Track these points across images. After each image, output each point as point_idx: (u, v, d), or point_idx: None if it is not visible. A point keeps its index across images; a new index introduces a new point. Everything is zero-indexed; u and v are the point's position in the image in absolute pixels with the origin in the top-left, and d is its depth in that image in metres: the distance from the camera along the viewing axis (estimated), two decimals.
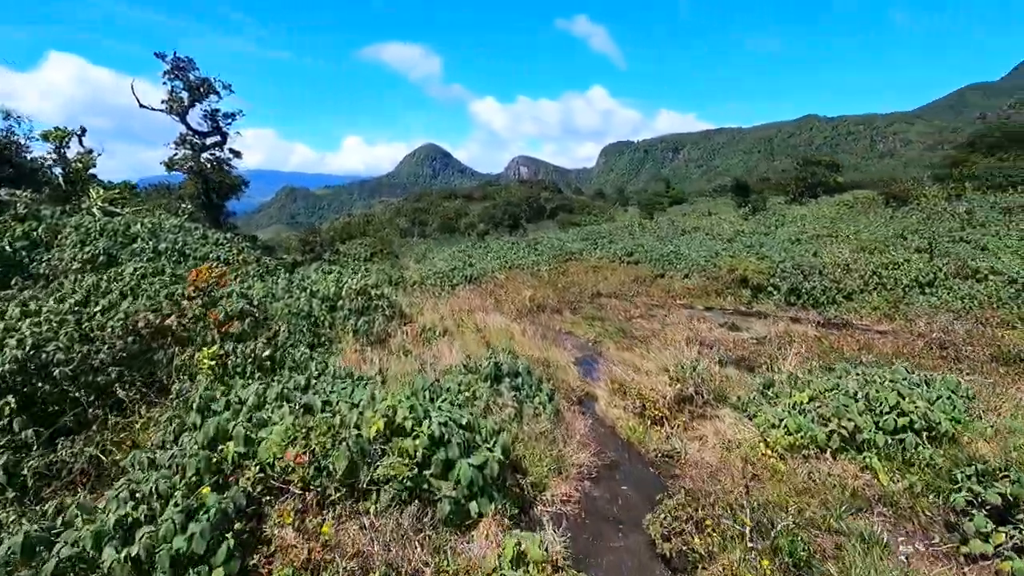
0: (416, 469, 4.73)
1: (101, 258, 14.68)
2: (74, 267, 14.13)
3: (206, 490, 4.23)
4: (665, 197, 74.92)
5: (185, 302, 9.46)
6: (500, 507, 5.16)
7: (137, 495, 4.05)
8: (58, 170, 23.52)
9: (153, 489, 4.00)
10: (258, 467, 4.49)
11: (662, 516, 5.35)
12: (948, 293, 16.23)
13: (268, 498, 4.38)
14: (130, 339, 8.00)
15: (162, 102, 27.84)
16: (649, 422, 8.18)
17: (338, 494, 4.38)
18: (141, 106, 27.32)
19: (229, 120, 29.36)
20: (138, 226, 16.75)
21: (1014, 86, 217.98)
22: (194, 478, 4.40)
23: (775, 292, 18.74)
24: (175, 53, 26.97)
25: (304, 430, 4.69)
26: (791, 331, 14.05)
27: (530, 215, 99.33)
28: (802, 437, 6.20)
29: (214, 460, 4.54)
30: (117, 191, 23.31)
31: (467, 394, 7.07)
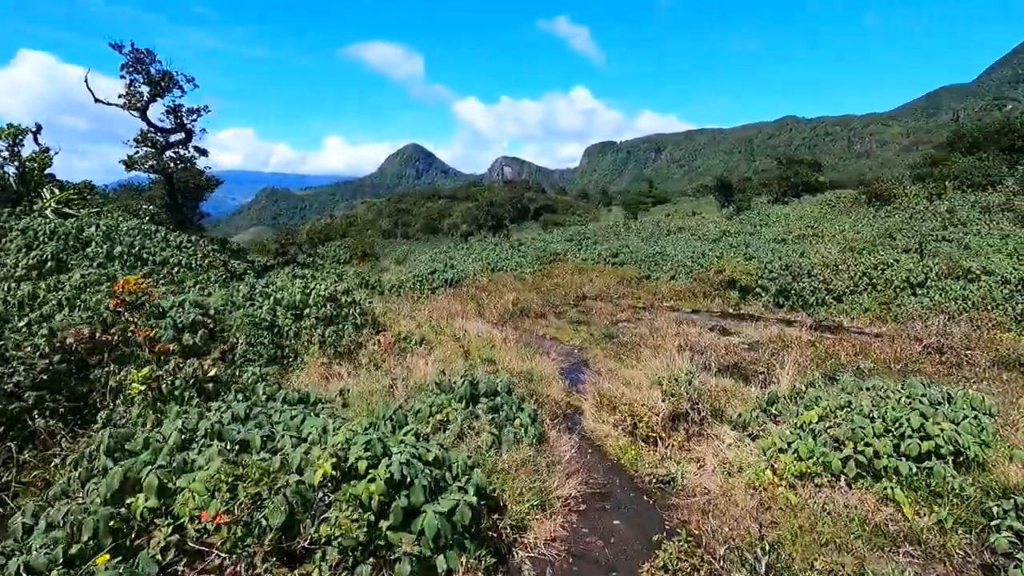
0: (370, 522, 3.93)
1: (49, 263, 13.58)
2: (17, 273, 13.02)
3: (102, 559, 3.38)
4: (648, 197, 74.80)
5: (127, 315, 8.49)
6: (473, 559, 4.38)
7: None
8: (11, 169, 22.13)
9: (19, 568, 3.12)
10: (171, 527, 3.64)
11: (661, 564, 4.61)
12: (940, 294, 15.83)
13: (182, 567, 3.53)
14: (56, 357, 7.04)
15: (119, 96, 26.42)
16: (641, 442, 7.46)
17: (270, 561, 3.55)
18: (96, 100, 25.92)
19: (194, 116, 28.03)
20: (92, 229, 15.61)
21: (987, 88, 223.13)
22: (91, 542, 3.54)
23: (764, 294, 18.22)
24: (132, 44, 25.51)
25: (232, 477, 3.84)
26: (785, 335, 13.46)
27: (514, 215, 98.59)
28: (814, 463, 5.52)
29: (118, 518, 3.68)
30: (74, 191, 22.00)
31: (439, 418, 6.26)
